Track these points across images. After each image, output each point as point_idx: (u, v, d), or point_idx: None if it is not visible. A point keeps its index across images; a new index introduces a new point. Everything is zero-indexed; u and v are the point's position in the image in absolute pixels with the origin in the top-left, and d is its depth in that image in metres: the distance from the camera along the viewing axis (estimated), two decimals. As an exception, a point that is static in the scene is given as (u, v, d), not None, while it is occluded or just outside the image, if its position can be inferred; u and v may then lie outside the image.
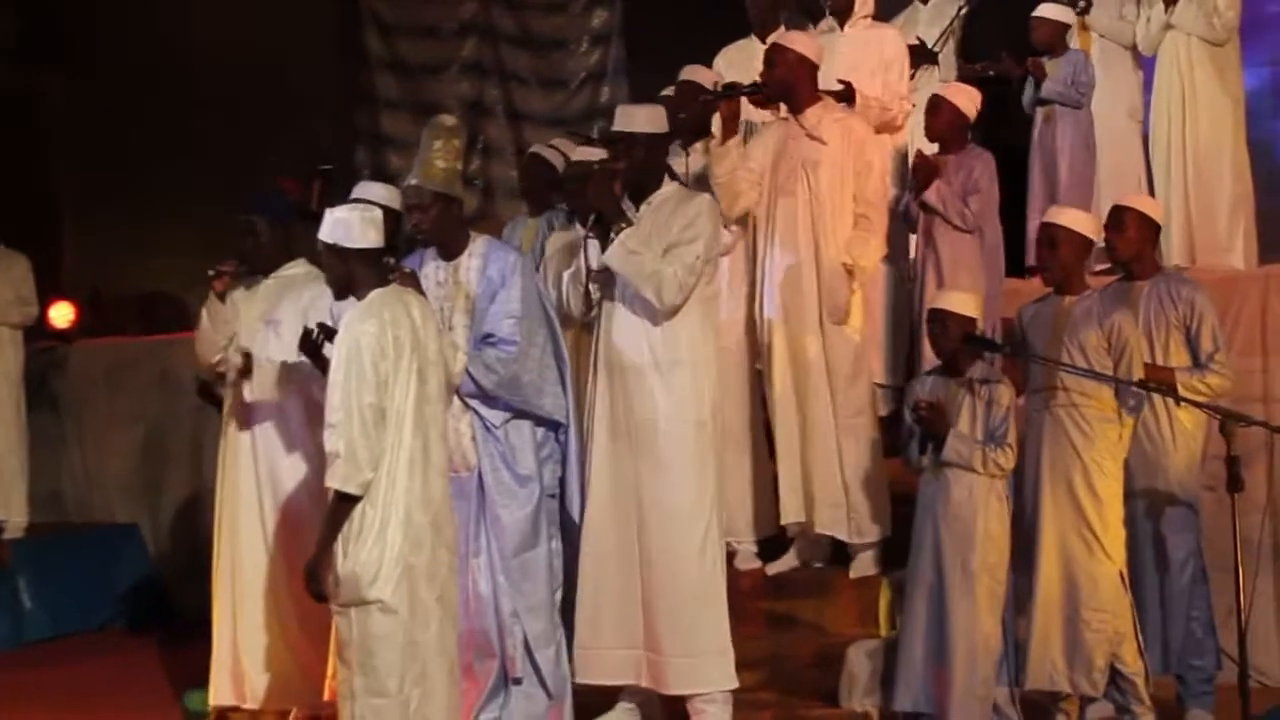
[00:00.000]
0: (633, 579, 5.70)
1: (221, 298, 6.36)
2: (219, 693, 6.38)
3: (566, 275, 5.94)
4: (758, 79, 6.77)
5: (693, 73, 7.16)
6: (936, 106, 7.08)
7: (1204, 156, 7.99)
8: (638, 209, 5.78)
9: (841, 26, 7.49)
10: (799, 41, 6.79)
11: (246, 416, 6.34)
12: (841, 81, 7.12)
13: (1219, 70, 8.03)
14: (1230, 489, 5.23)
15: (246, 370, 6.25)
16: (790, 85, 6.72)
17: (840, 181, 6.66)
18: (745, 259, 7.03)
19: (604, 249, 5.71)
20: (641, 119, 5.82)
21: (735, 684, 5.72)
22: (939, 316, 5.91)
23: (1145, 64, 8.62)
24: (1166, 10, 8.04)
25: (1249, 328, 6.99)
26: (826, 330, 6.63)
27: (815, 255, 6.65)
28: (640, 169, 5.78)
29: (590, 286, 5.82)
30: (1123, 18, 8.44)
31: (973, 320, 5.91)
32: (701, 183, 6.81)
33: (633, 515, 5.70)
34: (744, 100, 6.77)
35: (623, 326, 5.75)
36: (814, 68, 6.77)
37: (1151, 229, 6.24)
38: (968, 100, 7.11)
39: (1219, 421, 5.34)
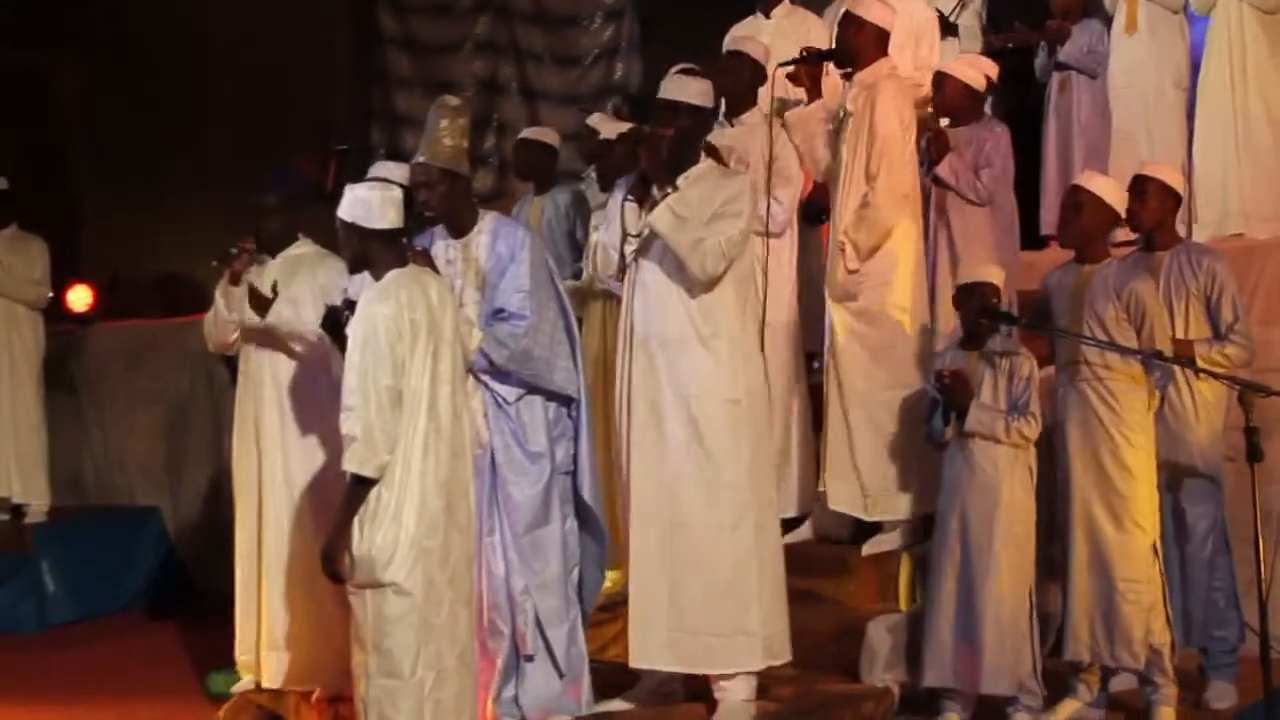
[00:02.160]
0: (667, 556, 5.65)
1: (236, 278, 6.38)
2: (249, 671, 6.42)
3: (595, 238, 5.91)
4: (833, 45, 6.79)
5: (741, 44, 7.13)
6: (941, 82, 7.03)
7: (1254, 124, 7.94)
8: (674, 181, 5.72)
9: (847, -3, 7.44)
10: (876, 11, 6.72)
11: (263, 391, 6.38)
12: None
13: (1271, 38, 7.97)
14: (1250, 459, 5.19)
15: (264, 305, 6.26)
16: (860, 51, 6.68)
17: (856, 152, 6.64)
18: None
19: (642, 214, 5.66)
20: (693, 90, 5.74)
21: (759, 665, 5.70)
22: (967, 290, 5.92)
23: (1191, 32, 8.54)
24: (1222, -29, 7.98)
25: (1268, 297, 6.96)
26: (867, 303, 6.62)
27: (834, 229, 6.66)
28: (684, 140, 5.71)
29: (626, 251, 5.75)
30: (1170, -20, 8.36)
31: (996, 288, 5.90)
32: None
33: (663, 493, 5.66)
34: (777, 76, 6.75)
35: (658, 299, 5.68)
36: (885, 36, 6.73)
37: (1173, 199, 6.21)
38: (973, 72, 7.05)
39: (1238, 392, 5.32)
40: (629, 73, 11.32)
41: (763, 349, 5.88)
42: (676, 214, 5.57)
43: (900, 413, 6.60)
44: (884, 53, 6.72)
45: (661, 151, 5.63)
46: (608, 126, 7.30)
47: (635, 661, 5.73)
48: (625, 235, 5.70)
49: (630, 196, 5.69)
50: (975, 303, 5.91)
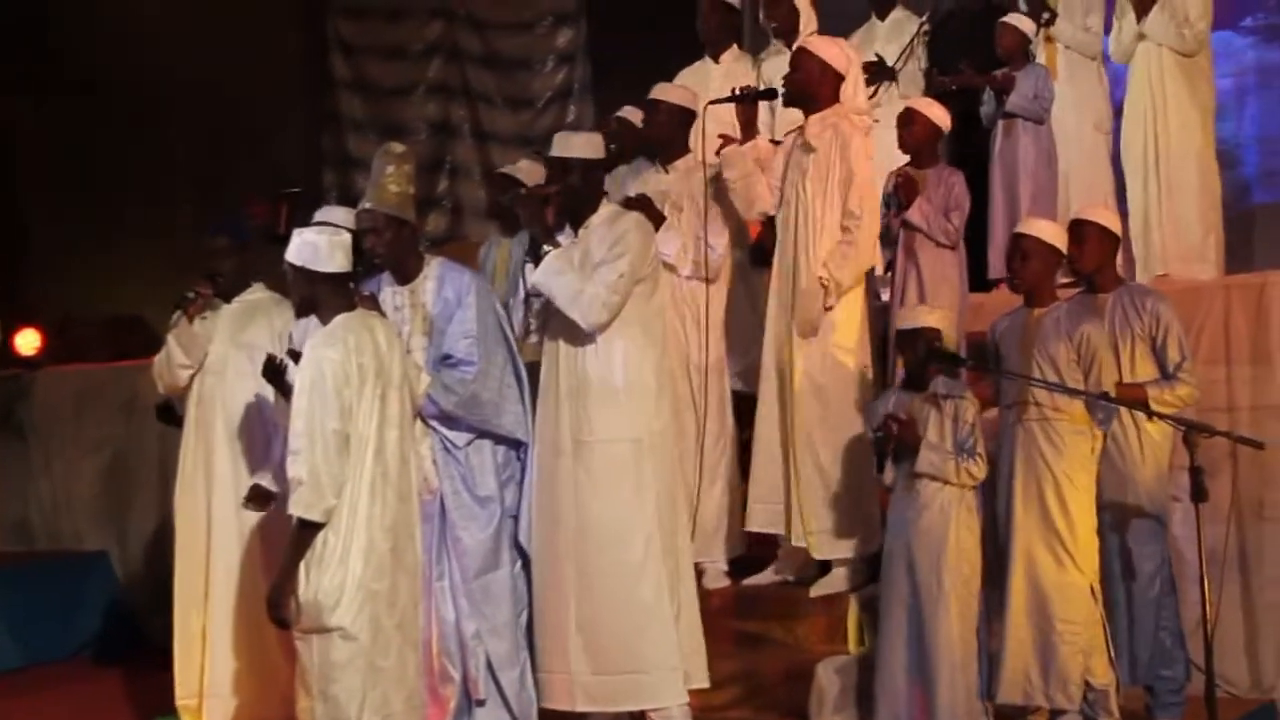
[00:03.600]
0: (573, 599, 5.68)
1: (192, 319, 6.40)
2: (191, 717, 6.38)
3: (513, 300, 5.98)
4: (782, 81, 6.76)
5: (664, 92, 7.14)
6: (909, 119, 7.03)
7: (1174, 166, 8.01)
8: (575, 233, 5.81)
9: (789, 47, 7.43)
10: (825, 49, 6.70)
11: (214, 435, 6.37)
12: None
13: (1189, 80, 8.04)
14: (1195, 499, 5.24)
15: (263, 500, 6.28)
16: (808, 90, 6.64)
17: (824, 190, 6.60)
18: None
19: None
20: (578, 144, 5.87)
21: (684, 699, 5.71)
22: (909, 335, 5.97)
23: (1111, 76, 8.66)
24: (1138, 20, 8.07)
25: (1213, 338, 7.00)
26: (812, 343, 6.61)
27: (794, 266, 6.64)
28: (576, 193, 5.81)
29: (528, 310, 5.86)
30: (1087, 29, 8.45)
31: (937, 332, 5.94)
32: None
33: (574, 535, 5.70)
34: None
35: (562, 348, 5.78)
36: (836, 75, 6.66)
37: (1112, 241, 6.26)
38: (940, 112, 7.10)
39: (1182, 432, 5.36)
40: (581, 116, 11.37)
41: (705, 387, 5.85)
42: (555, 270, 5.65)
43: (843, 454, 6.61)
44: (837, 92, 6.70)
45: (542, 212, 5.74)
46: (535, 174, 7.33)
47: (553, 703, 5.74)
48: (527, 296, 5.80)
49: (528, 258, 5.77)
50: (918, 346, 5.94)
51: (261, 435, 6.36)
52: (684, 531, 5.92)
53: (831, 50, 6.69)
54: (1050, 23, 8.42)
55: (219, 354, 6.44)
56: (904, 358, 6.09)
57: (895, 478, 5.94)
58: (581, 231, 5.80)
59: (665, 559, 5.71)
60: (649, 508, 5.70)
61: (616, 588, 5.65)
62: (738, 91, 6.75)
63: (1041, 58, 8.40)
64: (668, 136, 6.99)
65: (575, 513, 5.71)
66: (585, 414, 5.71)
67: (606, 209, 5.87)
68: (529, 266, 5.74)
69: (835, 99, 6.65)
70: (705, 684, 5.81)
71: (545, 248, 5.69)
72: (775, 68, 7.33)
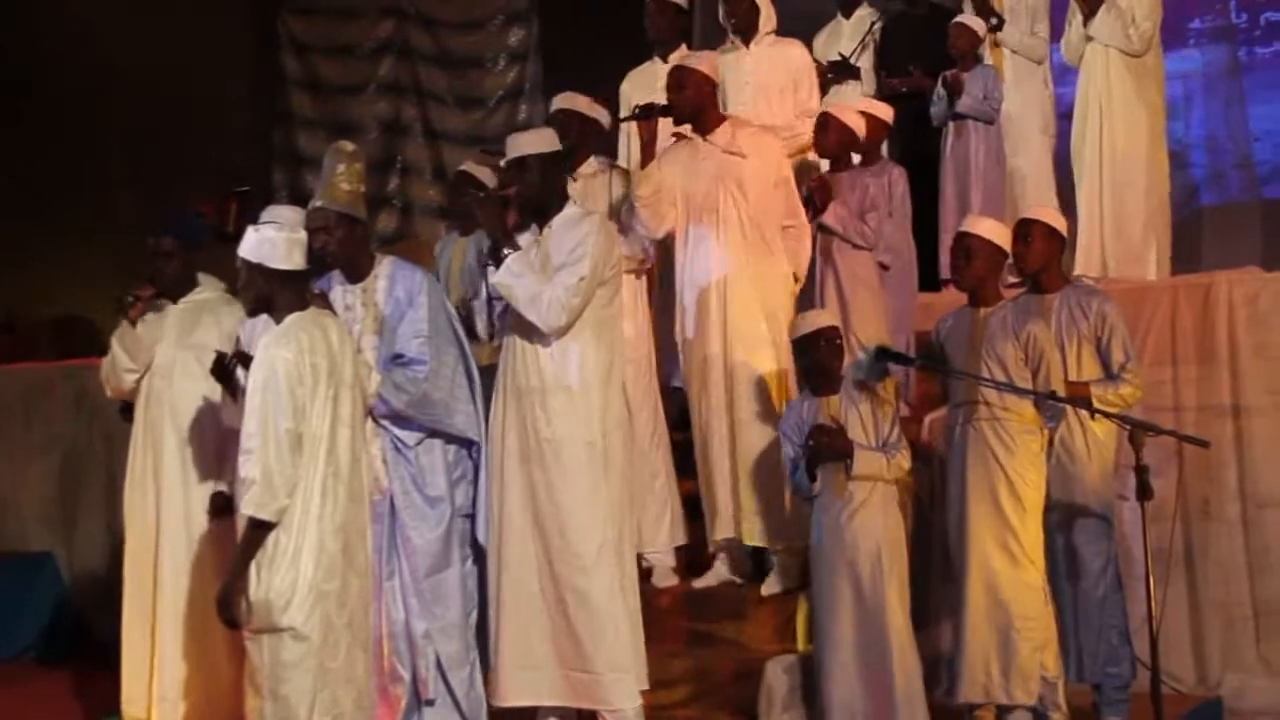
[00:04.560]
0: (536, 598, 5.71)
1: (134, 323, 6.34)
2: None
3: (475, 302, 5.97)
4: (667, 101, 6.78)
5: (569, 100, 7.17)
6: (825, 125, 7.10)
7: (1121, 167, 8.08)
8: (540, 231, 5.81)
9: (746, 45, 7.51)
10: (702, 62, 6.82)
11: (163, 436, 6.33)
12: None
13: (1137, 80, 8.12)
14: (1140, 498, 5.29)
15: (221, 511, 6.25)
16: (700, 105, 6.74)
17: (764, 193, 6.68)
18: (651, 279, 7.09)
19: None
20: (529, 142, 5.87)
21: (636, 702, 5.72)
22: (809, 340, 6.02)
23: (1057, 79, 8.73)
24: (1085, 23, 8.13)
25: (1159, 338, 7.07)
26: (754, 344, 6.65)
27: (747, 270, 6.65)
28: (536, 191, 5.81)
29: (490, 311, 5.85)
30: (1034, 34, 8.55)
31: (835, 329, 6.02)
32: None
33: (529, 535, 5.72)
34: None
35: (519, 349, 5.78)
36: (715, 86, 6.82)
37: (1058, 241, 6.30)
38: (856, 118, 7.14)
39: (1128, 431, 5.41)
40: (533, 114, 11.38)
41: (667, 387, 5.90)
42: (514, 273, 5.66)
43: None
44: (717, 103, 6.82)
45: (501, 214, 5.75)
46: (485, 173, 7.33)
47: (505, 700, 5.74)
48: (488, 298, 5.79)
49: (489, 260, 5.76)
50: (819, 351, 5.99)
51: (211, 437, 6.31)
52: (630, 536, 5.94)
53: (707, 62, 6.82)
54: (997, 28, 8.49)
55: (166, 356, 6.39)
56: (803, 363, 6.13)
57: (820, 484, 5.97)
58: (545, 230, 5.79)
59: (616, 560, 5.74)
60: (602, 510, 5.71)
61: (572, 588, 5.66)
62: (636, 109, 6.77)
63: (988, 62, 8.47)
64: (574, 144, 6.98)
65: (531, 512, 5.72)
66: (541, 414, 5.71)
67: (571, 209, 5.86)
68: (490, 269, 5.73)
69: (718, 109, 6.80)
70: (644, 686, 5.80)
71: (506, 250, 5.69)
72: (731, 65, 7.37)
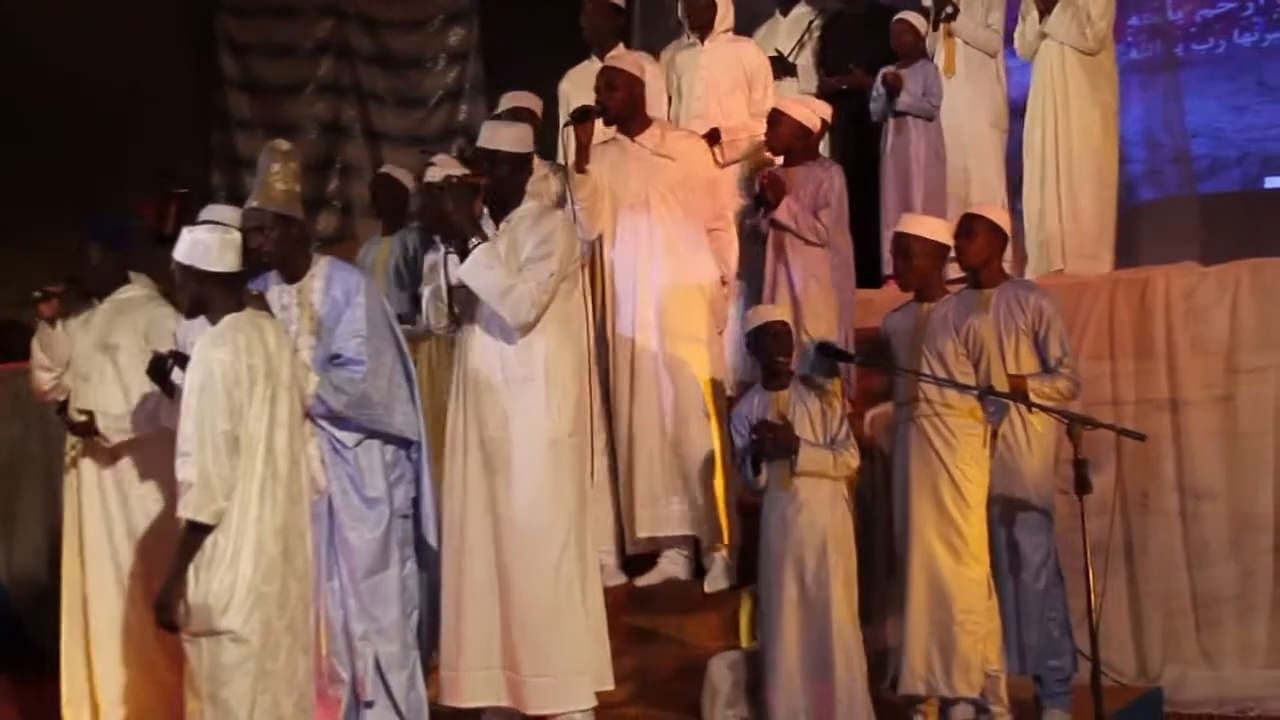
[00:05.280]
0: (491, 599, 5.67)
1: (52, 322, 6.29)
2: None
3: (427, 291, 5.93)
4: (596, 102, 6.77)
5: (524, 100, 7.16)
6: (776, 120, 7.12)
7: (1075, 163, 8.14)
8: (498, 226, 5.78)
9: (702, 41, 7.55)
10: (631, 62, 6.85)
11: (94, 445, 6.28)
12: (708, 135, 7.22)
13: (1090, 78, 8.18)
14: (1079, 491, 5.33)
15: (89, 430, 6.16)
16: (632, 106, 6.76)
17: (691, 198, 6.72)
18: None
19: (461, 263, 5.69)
20: (507, 137, 5.83)
21: (593, 704, 5.70)
22: (761, 332, 6.07)
23: (1009, 73, 8.75)
24: (1041, 19, 8.17)
25: (1097, 332, 7.14)
26: (681, 344, 6.65)
27: (670, 271, 6.67)
28: (504, 186, 5.78)
29: (452, 302, 5.79)
30: (988, 25, 8.52)
31: (785, 324, 6.07)
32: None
33: (489, 534, 5.68)
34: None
35: (480, 343, 5.74)
36: (644, 87, 6.83)
37: (1000, 238, 6.35)
38: (808, 112, 7.16)
39: (1066, 425, 5.44)
40: (473, 114, 11.37)
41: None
42: (484, 265, 5.61)
43: (697, 445, 6.69)
44: (645, 104, 6.84)
45: (470, 202, 5.69)
46: (428, 172, 7.31)
47: (464, 700, 5.71)
48: (450, 287, 5.73)
49: (451, 249, 5.71)
50: (767, 345, 6.01)
51: (144, 436, 6.26)
52: (591, 534, 5.91)
53: (636, 62, 6.86)
54: (952, 17, 8.48)
55: (86, 356, 6.33)
56: (758, 356, 6.14)
57: (767, 478, 5.98)
58: (504, 225, 5.75)
59: (578, 562, 5.71)
60: (565, 509, 5.69)
61: (532, 590, 5.63)
62: (574, 114, 6.72)
63: (941, 53, 8.46)
64: None
65: (490, 511, 5.68)
66: (504, 410, 5.67)
67: (530, 204, 5.84)
68: (453, 259, 5.69)
69: (645, 110, 6.82)
70: (609, 686, 5.79)
71: (475, 240, 5.64)
72: (687, 60, 7.37)
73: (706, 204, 6.79)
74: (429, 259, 6.54)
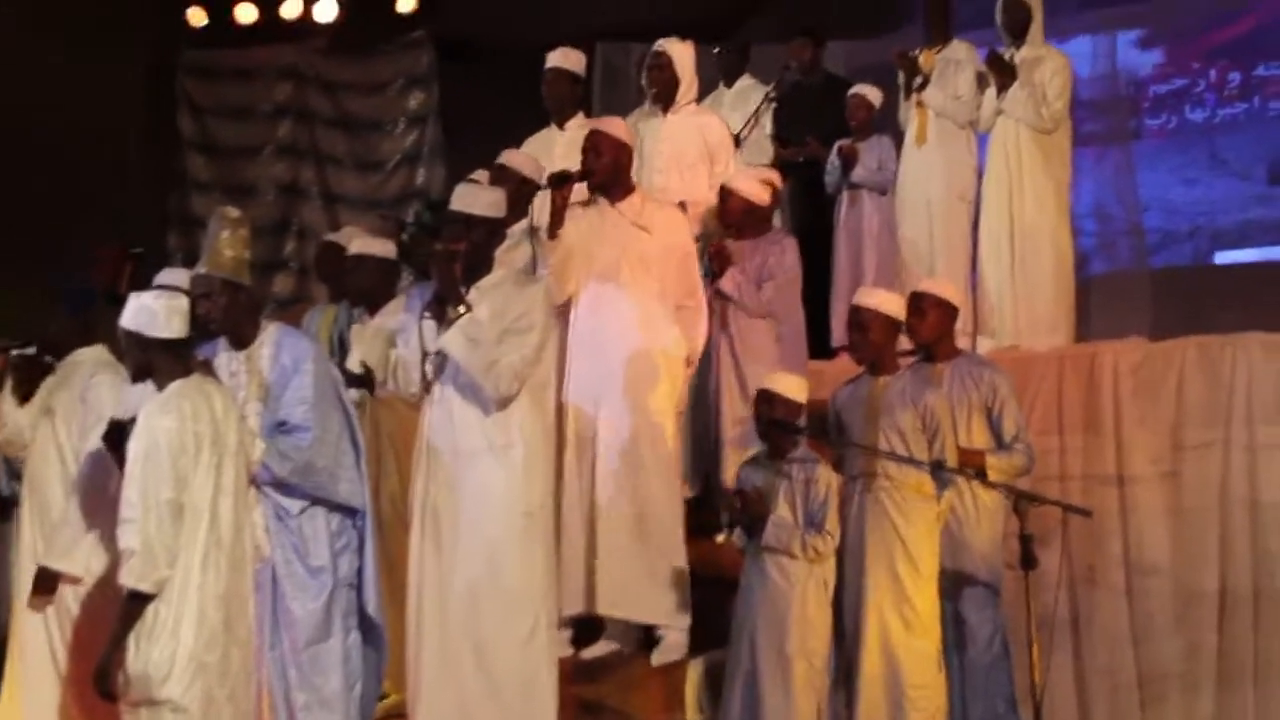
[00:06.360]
0: (461, 669, 5.64)
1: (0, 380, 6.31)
2: None
3: (395, 355, 5.91)
4: (582, 166, 6.74)
5: (511, 158, 7.15)
6: (725, 196, 7.17)
7: (1029, 239, 8.19)
8: (467, 292, 5.74)
9: (664, 112, 7.51)
10: (619, 128, 6.80)
11: (23, 509, 6.27)
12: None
13: (1045, 156, 8.24)
14: (1024, 566, 5.36)
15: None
16: (616, 172, 6.71)
17: (663, 271, 6.66)
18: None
19: (439, 330, 5.68)
20: (484, 201, 5.83)
21: None
22: (765, 397, 6.02)
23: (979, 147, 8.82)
24: (998, 96, 8.25)
25: (1046, 407, 7.18)
26: (638, 417, 6.61)
27: (634, 344, 6.62)
28: (478, 252, 5.76)
29: (426, 368, 5.77)
30: (958, 97, 8.57)
31: (772, 394, 5.99)
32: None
33: (464, 605, 5.64)
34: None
35: (455, 411, 5.72)
36: (631, 153, 6.81)
37: (951, 312, 6.39)
38: (756, 187, 7.21)
39: (1013, 501, 5.47)
40: (431, 178, 11.40)
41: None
42: (469, 336, 5.61)
43: (651, 519, 6.61)
44: (629, 169, 6.80)
45: (454, 269, 5.66)
46: (356, 242, 7.30)
47: None
48: (425, 353, 5.71)
49: (428, 313, 5.70)
50: (757, 413, 6.03)
51: (60, 505, 6.22)
52: (557, 614, 5.90)
53: (623, 128, 6.81)
54: (922, 87, 8.55)
55: (32, 421, 6.33)
56: (756, 418, 6.14)
57: (746, 546, 5.98)
58: (474, 292, 5.72)
59: (547, 632, 5.71)
60: (536, 582, 5.68)
61: (501, 661, 5.61)
62: (551, 179, 6.73)
63: (913, 124, 8.51)
64: (509, 204, 6.96)
65: (464, 580, 5.65)
66: (479, 478, 5.66)
67: (500, 272, 5.84)
68: (428, 325, 5.68)
69: (630, 178, 6.78)
70: None
71: (461, 308, 5.62)
72: (648, 132, 7.40)
73: (680, 280, 6.69)
74: (358, 332, 6.58)
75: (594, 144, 6.71)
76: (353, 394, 6.16)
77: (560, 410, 6.68)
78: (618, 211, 6.70)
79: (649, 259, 6.64)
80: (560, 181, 6.65)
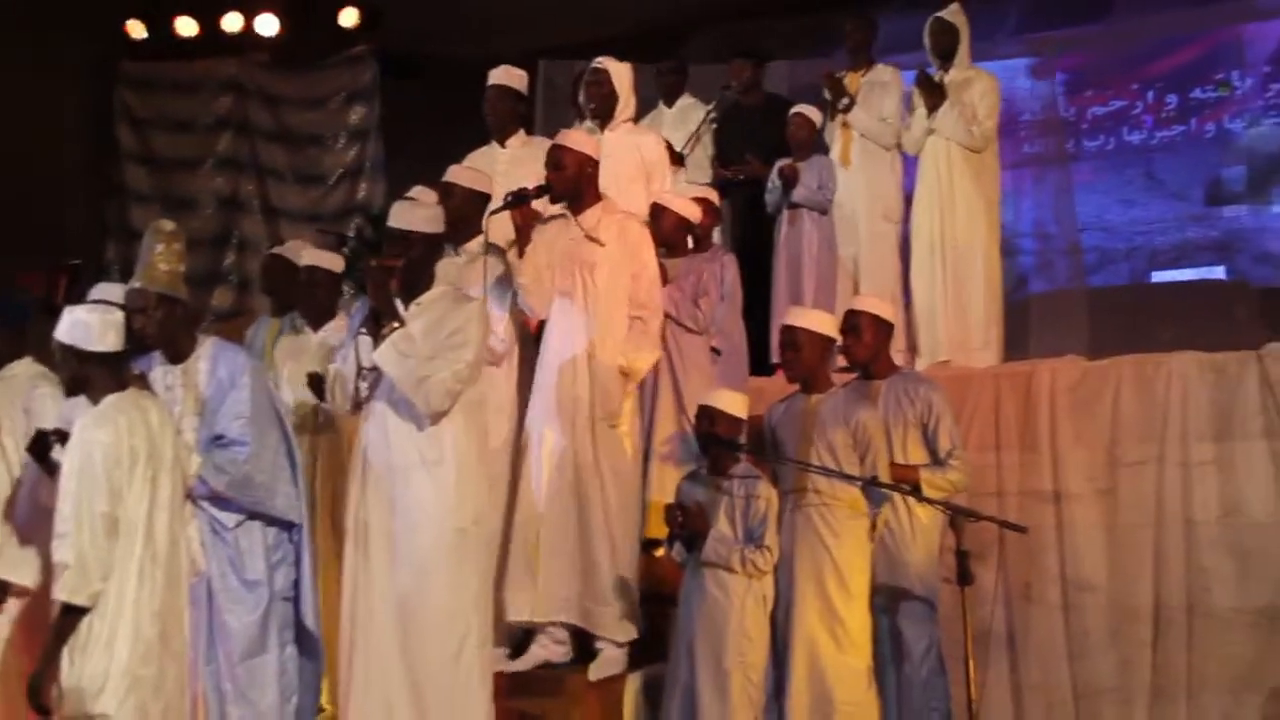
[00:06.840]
0: (392, 685, 5.62)
1: None
2: None
3: (332, 369, 5.90)
4: (543, 181, 6.71)
5: (457, 175, 7.13)
6: (658, 214, 7.18)
7: (960, 257, 8.25)
8: (406, 307, 5.76)
9: (602, 129, 7.48)
10: (582, 140, 6.78)
11: None
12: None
13: (975, 174, 8.32)
14: (960, 582, 5.39)
15: None
16: (578, 185, 6.69)
17: (616, 283, 6.65)
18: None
19: (375, 346, 5.67)
20: (421, 218, 5.83)
21: None
22: (707, 413, 6.04)
23: (904, 168, 8.88)
24: (929, 116, 8.31)
25: (983, 424, 7.22)
26: (598, 430, 6.59)
27: (590, 356, 6.61)
28: (416, 268, 5.77)
29: (359, 384, 5.77)
30: (884, 119, 8.65)
31: (717, 411, 6.01)
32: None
33: (394, 620, 5.64)
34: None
35: (388, 427, 5.72)
36: (596, 164, 6.77)
37: (885, 329, 6.41)
38: (689, 205, 7.24)
39: (949, 516, 5.50)
40: (372, 193, 11.39)
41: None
42: (401, 351, 5.61)
43: (615, 535, 6.60)
44: (596, 184, 6.77)
45: (388, 285, 5.67)
46: (308, 254, 7.29)
47: None
48: (360, 368, 5.72)
49: (363, 329, 5.70)
50: (699, 428, 6.04)
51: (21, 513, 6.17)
52: (490, 631, 5.88)
53: (587, 141, 6.78)
54: (848, 108, 8.60)
55: None
56: (697, 435, 6.17)
57: (686, 560, 6.00)
58: (414, 308, 5.73)
59: (479, 651, 5.70)
60: (469, 599, 5.67)
61: (432, 678, 5.61)
62: (508, 198, 6.72)
63: (838, 144, 8.58)
64: (459, 219, 6.95)
65: (394, 596, 5.64)
66: (412, 494, 5.65)
67: (439, 289, 5.83)
68: (364, 340, 5.68)
69: (595, 190, 6.74)
70: None
71: (395, 324, 5.63)
72: None
73: (634, 290, 6.66)
74: (285, 344, 6.54)
75: (555, 158, 6.69)
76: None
77: (521, 421, 6.70)
78: (576, 223, 6.70)
79: (597, 270, 6.63)
80: (518, 201, 6.65)
